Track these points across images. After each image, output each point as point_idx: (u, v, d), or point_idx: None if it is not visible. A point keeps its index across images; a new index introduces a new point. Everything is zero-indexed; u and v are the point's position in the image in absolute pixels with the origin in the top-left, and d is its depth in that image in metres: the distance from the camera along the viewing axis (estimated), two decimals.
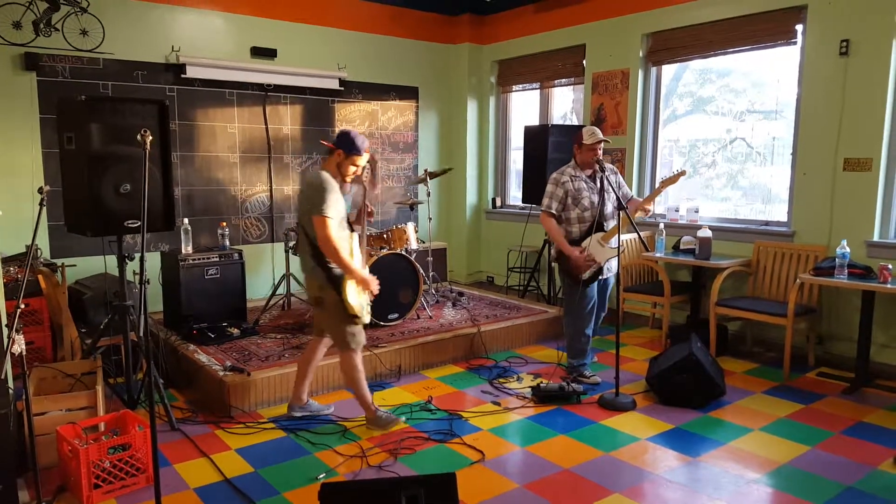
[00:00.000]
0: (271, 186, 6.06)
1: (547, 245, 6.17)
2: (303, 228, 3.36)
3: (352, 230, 3.43)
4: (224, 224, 5.03)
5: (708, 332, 4.71)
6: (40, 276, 4.01)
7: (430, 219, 5.86)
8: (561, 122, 6.82)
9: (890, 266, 3.90)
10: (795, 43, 4.75)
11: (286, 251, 5.41)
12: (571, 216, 4.13)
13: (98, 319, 4.20)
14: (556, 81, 6.68)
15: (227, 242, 4.93)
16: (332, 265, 3.29)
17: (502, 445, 3.35)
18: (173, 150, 5.16)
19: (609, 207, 4.14)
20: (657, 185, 4.19)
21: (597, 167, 4.06)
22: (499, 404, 3.89)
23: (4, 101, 4.73)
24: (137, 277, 3.07)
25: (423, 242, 5.74)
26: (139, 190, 3.22)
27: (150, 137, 2.49)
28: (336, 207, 3.23)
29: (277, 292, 5.45)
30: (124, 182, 3.31)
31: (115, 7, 5.09)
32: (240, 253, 4.86)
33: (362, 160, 3.36)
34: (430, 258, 5.70)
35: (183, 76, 5.41)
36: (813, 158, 4.64)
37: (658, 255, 5.07)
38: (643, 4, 5.60)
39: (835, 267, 4.08)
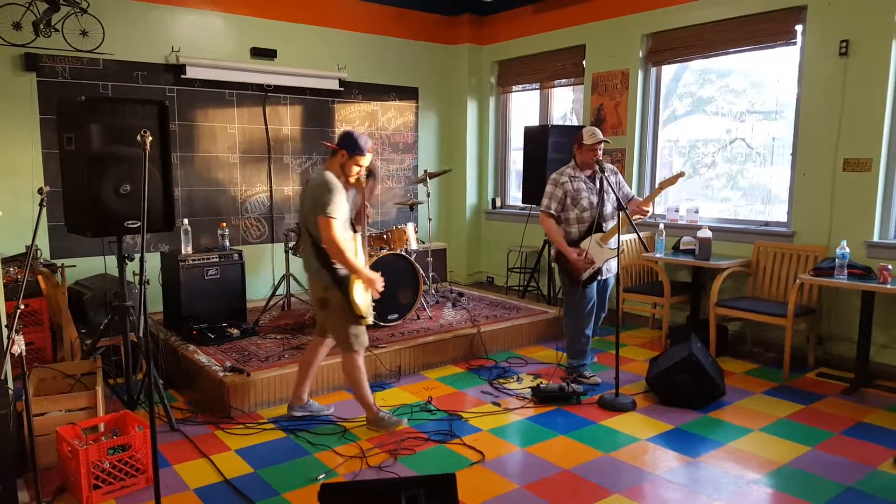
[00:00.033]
0: (271, 187, 6.06)
1: (547, 245, 6.17)
2: (307, 229, 3.35)
3: (354, 231, 3.43)
4: (224, 224, 5.03)
5: (708, 332, 4.71)
6: (40, 277, 4.01)
7: (430, 219, 5.86)
8: (561, 123, 6.82)
9: (889, 266, 3.90)
10: (795, 43, 4.75)
11: (286, 252, 5.41)
12: (570, 216, 4.13)
13: (98, 320, 4.20)
14: (555, 82, 6.68)
15: (227, 243, 4.93)
16: (337, 266, 3.30)
17: (502, 446, 3.34)
18: (173, 150, 5.16)
19: (608, 208, 4.14)
20: (656, 187, 4.19)
21: (596, 168, 4.07)
22: (499, 405, 3.89)
23: (4, 101, 4.73)
24: (137, 278, 3.07)
25: (423, 243, 5.74)
26: (139, 190, 3.21)
27: (150, 138, 2.49)
28: (341, 208, 3.23)
29: (277, 293, 5.45)
30: (124, 183, 3.32)
31: (115, 8, 5.09)
32: (240, 253, 4.86)
33: (366, 160, 3.36)
34: (429, 258, 5.70)
35: (183, 77, 5.41)
36: (813, 159, 4.64)
37: (658, 255, 5.07)
38: (643, 5, 5.61)
39: (834, 267, 4.08)
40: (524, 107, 7.29)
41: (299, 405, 3.67)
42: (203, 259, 4.67)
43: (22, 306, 2.40)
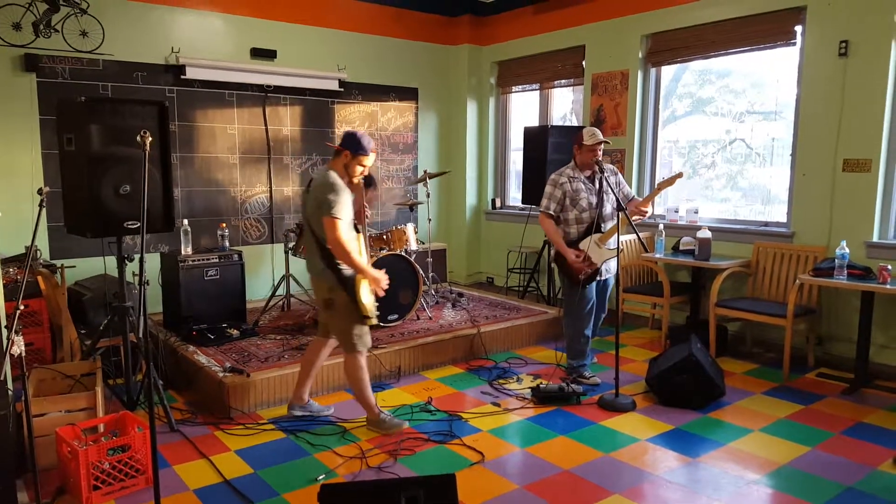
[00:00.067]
0: (271, 187, 6.06)
1: (546, 246, 6.18)
2: (310, 229, 3.35)
3: (357, 231, 3.43)
4: (224, 225, 5.03)
5: (707, 332, 4.71)
6: (40, 278, 4.01)
7: (430, 220, 5.86)
8: (560, 123, 6.82)
9: (889, 267, 3.90)
10: (795, 44, 4.75)
11: (286, 252, 5.41)
12: (569, 217, 4.13)
13: (97, 320, 4.20)
14: (555, 82, 6.68)
15: (227, 243, 4.93)
16: (342, 266, 3.30)
17: (502, 446, 3.34)
18: (173, 151, 5.16)
19: (608, 208, 4.15)
20: (654, 188, 4.19)
21: (596, 168, 4.07)
22: (498, 405, 3.89)
23: (4, 102, 4.73)
24: (137, 278, 3.07)
25: (423, 243, 5.74)
26: (139, 191, 3.21)
27: (150, 138, 2.50)
28: (346, 209, 3.23)
29: (277, 293, 5.45)
30: (124, 183, 3.32)
31: (115, 8, 5.09)
32: (239, 254, 4.86)
33: (369, 160, 3.37)
34: (429, 259, 5.70)
35: (183, 77, 5.42)
36: (812, 159, 4.64)
37: (658, 255, 5.08)
38: (642, 5, 5.61)
39: (834, 268, 4.08)
40: (524, 107, 7.29)
41: (300, 405, 3.67)
42: (203, 260, 4.67)
43: (22, 307, 2.40)
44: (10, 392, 2.68)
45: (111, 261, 3.68)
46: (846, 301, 4.49)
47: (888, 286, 3.84)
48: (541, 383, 4.11)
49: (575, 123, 6.64)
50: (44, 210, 2.59)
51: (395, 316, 4.89)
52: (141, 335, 2.98)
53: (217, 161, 5.74)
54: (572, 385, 3.98)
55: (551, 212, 4.15)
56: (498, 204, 7.39)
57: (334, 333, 3.51)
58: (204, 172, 5.68)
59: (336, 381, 4.09)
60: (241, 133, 5.85)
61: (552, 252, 4.29)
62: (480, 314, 5.34)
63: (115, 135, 3.31)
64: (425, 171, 5.73)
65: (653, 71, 5.72)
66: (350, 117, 6.50)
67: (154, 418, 2.38)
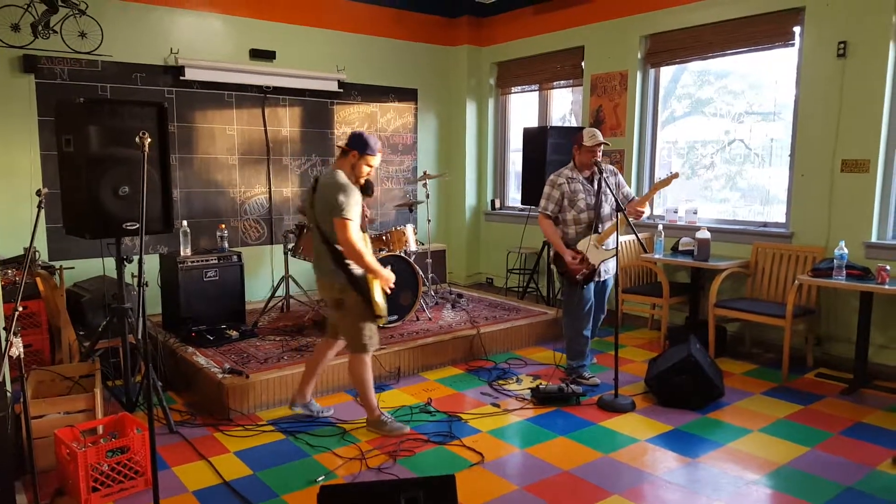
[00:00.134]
0: (270, 188, 6.06)
1: (546, 247, 6.18)
2: (318, 230, 3.34)
3: (363, 231, 3.44)
4: (223, 226, 5.03)
5: (707, 333, 4.72)
6: (38, 279, 4.00)
7: (430, 220, 5.86)
8: (560, 124, 6.83)
9: (888, 267, 3.90)
10: (793, 45, 4.76)
11: (285, 253, 5.41)
12: (568, 218, 4.14)
13: (96, 322, 4.19)
14: (554, 83, 6.69)
15: (226, 244, 4.93)
16: (353, 266, 3.30)
17: (502, 447, 3.34)
18: (172, 152, 5.14)
19: (606, 209, 4.15)
20: (650, 188, 4.20)
21: (595, 169, 4.07)
22: (498, 406, 3.89)
23: (3, 103, 4.73)
24: (136, 280, 3.07)
25: (423, 244, 5.74)
26: (138, 192, 3.22)
27: (149, 139, 2.49)
28: (356, 209, 3.24)
29: (276, 294, 5.44)
30: (123, 184, 3.31)
31: (114, 9, 5.09)
32: (239, 255, 4.86)
33: (376, 160, 3.38)
34: (429, 260, 5.70)
35: (182, 78, 5.41)
36: (811, 160, 4.64)
37: (657, 256, 5.08)
38: (641, 6, 5.61)
39: (833, 268, 4.09)
40: (523, 108, 7.30)
41: (301, 402, 3.67)
42: (202, 261, 4.67)
43: (20, 308, 2.39)
44: (8, 394, 2.67)
45: (110, 262, 3.67)
46: (845, 301, 4.50)
47: (887, 286, 3.85)
48: (540, 384, 4.11)
49: (574, 124, 6.64)
50: (42, 211, 2.59)
51: (395, 317, 4.89)
52: (140, 336, 2.98)
53: (216, 162, 5.74)
54: (572, 386, 3.98)
55: (549, 212, 4.16)
56: (497, 205, 7.39)
57: (343, 334, 3.49)
58: (203, 173, 5.68)
59: (336, 381, 4.09)
60: (241, 134, 5.85)
61: (551, 253, 4.29)
62: (480, 315, 5.34)
63: (114, 136, 3.31)
64: (425, 172, 5.73)
65: (652, 72, 5.73)
66: (349, 118, 6.50)
67: (153, 420, 2.38)
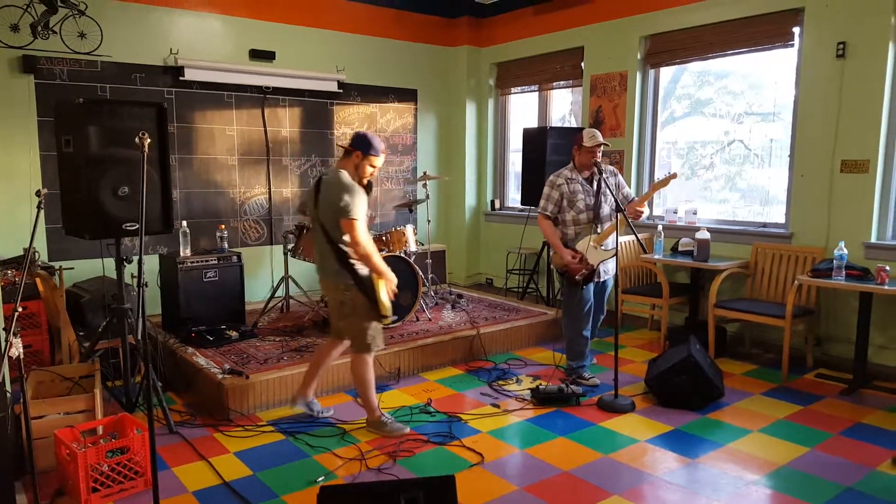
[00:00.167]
0: (270, 189, 6.06)
1: (546, 247, 6.18)
2: (323, 230, 3.33)
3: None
4: (223, 226, 5.03)
5: (706, 333, 4.72)
6: (38, 280, 4.00)
7: (429, 221, 5.86)
8: (559, 125, 6.83)
9: (887, 267, 3.91)
10: (793, 45, 4.76)
11: (285, 254, 5.41)
12: (567, 218, 4.14)
13: (96, 322, 4.19)
14: (554, 84, 6.69)
15: (226, 245, 4.93)
16: (358, 266, 3.30)
17: (501, 448, 3.34)
18: (172, 152, 5.16)
19: (606, 210, 4.15)
20: (649, 188, 4.20)
21: (595, 169, 4.07)
22: (498, 406, 3.89)
23: (2, 103, 4.73)
24: (136, 280, 3.07)
25: (422, 245, 5.74)
26: (137, 192, 3.22)
27: (149, 140, 2.49)
28: (362, 209, 3.24)
29: (276, 295, 5.44)
30: (122, 185, 3.31)
31: (113, 10, 5.09)
32: (238, 255, 4.86)
33: (379, 161, 3.38)
34: (429, 260, 5.70)
35: (181, 79, 5.41)
36: (810, 160, 4.65)
37: (656, 256, 5.08)
38: (641, 7, 5.62)
39: (832, 268, 4.09)
40: (523, 108, 7.30)
41: (303, 399, 3.67)
42: (202, 261, 4.66)
43: (20, 309, 2.39)
44: (8, 394, 2.67)
45: (110, 262, 3.67)
46: (845, 302, 4.50)
47: (886, 287, 3.85)
48: (540, 384, 4.11)
49: (574, 125, 6.65)
50: (42, 212, 2.59)
51: (395, 317, 4.88)
52: (140, 337, 2.98)
53: (216, 162, 5.74)
54: (571, 386, 3.98)
55: (548, 213, 4.17)
56: (497, 205, 7.39)
57: (348, 334, 3.47)
58: (203, 174, 5.67)
59: (336, 382, 4.09)
60: (240, 134, 5.85)
61: (551, 253, 4.29)
62: (480, 315, 5.34)
63: (114, 136, 3.31)
64: (425, 173, 5.73)
65: (651, 72, 5.73)
66: (349, 119, 6.51)
67: (153, 420, 2.38)
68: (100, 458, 2.77)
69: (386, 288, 3.35)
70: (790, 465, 3.14)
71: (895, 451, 3.22)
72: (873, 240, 4.40)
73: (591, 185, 4.15)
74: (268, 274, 6.09)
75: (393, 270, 3.40)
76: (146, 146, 2.48)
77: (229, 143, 5.79)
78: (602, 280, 4.26)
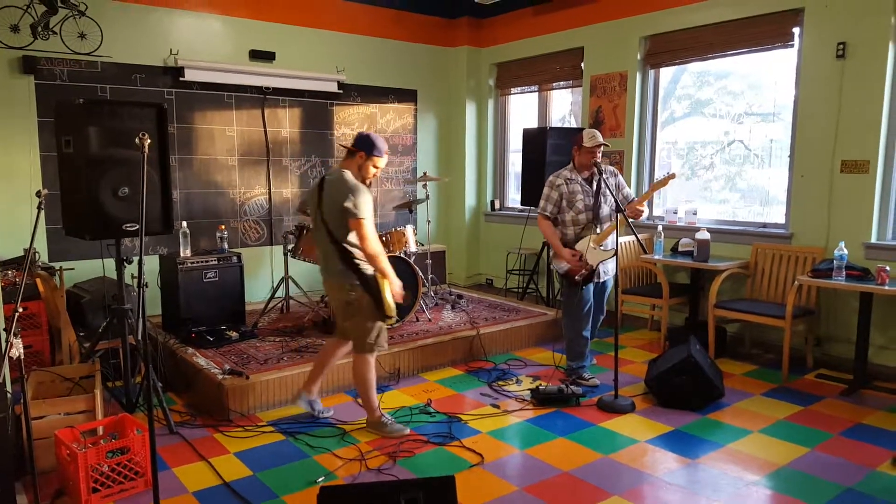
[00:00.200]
0: (270, 189, 6.06)
1: (545, 247, 6.18)
2: (326, 230, 3.32)
3: None
4: (223, 227, 5.03)
5: (706, 333, 4.72)
6: (38, 280, 4.01)
7: (429, 221, 5.86)
8: (559, 125, 6.83)
9: (888, 268, 3.91)
10: (792, 45, 4.76)
11: (285, 254, 5.41)
12: (566, 218, 4.15)
13: (96, 323, 4.19)
14: (554, 84, 6.69)
15: (226, 245, 4.93)
16: (363, 265, 3.30)
17: (501, 448, 3.34)
18: (172, 153, 5.16)
19: (605, 210, 4.15)
20: (647, 189, 4.20)
21: (594, 170, 4.07)
22: (498, 407, 3.89)
23: (2, 104, 4.73)
24: (136, 281, 3.07)
25: (422, 245, 5.74)
26: (137, 193, 3.22)
27: (149, 141, 2.49)
28: (369, 208, 3.25)
29: (276, 295, 5.45)
30: (122, 185, 3.32)
31: (113, 10, 5.09)
32: (238, 256, 4.86)
33: (382, 162, 3.38)
34: (429, 261, 5.70)
35: (181, 79, 5.42)
36: (810, 160, 4.65)
37: (656, 257, 5.08)
38: (641, 7, 5.62)
39: (833, 269, 4.09)
40: (523, 109, 7.30)
41: (306, 396, 3.68)
42: (202, 262, 4.67)
43: (20, 309, 2.39)
44: (9, 395, 2.67)
45: (110, 263, 3.67)
46: (845, 302, 4.50)
47: (886, 287, 3.85)
48: (540, 385, 4.11)
49: (574, 125, 6.65)
50: (42, 212, 2.59)
51: (395, 317, 4.88)
52: (140, 337, 2.98)
53: (216, 163, 5.74)
54: (571, 387, 3.98)
55: (547, 213, 4.17)
56: (497, 205, 7.39)
57: (352, 334, 3.46)
58: (203, 174, 5.68)
59: (337, 382, 4.09)
60: (240, 135, 5.85)
61: (551, 253, 4.30)
62: (480, 316, 5.34)
63: (114, 137, 3.31)
64: (425, 173, 5.74)
65: (651, 72, 5.73)
66: (349, 119, 6.51)
67: (153, 420, 2.38)
68: (100, 458, 2.78)
69: (391, 289, 3.35)
70: (790, 465, 3.14)
71: (895, 452, 3.22)
72: (873, 240, 4.40)
73: (591, 186, 4.15)
74: (268, 274, 6.09)
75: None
76: (146, 147, 2.48)
77: (229, 144, 5.79)
78: (602, 280, 4.26)
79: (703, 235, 4.83)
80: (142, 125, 3.34)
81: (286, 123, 6.09)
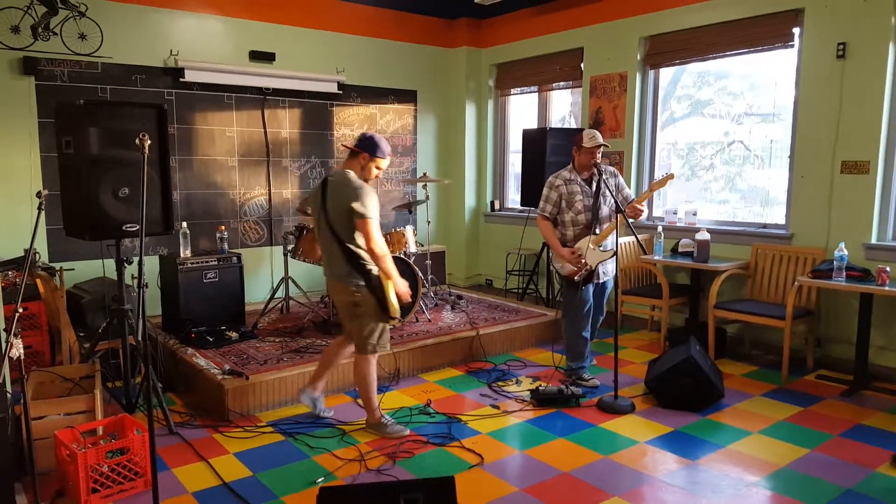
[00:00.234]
0: (270, 190, 6.06)
1: (545, 248, 6.18)
2: (331, 231, 3.31)
3: None
4: (223, 228, 5.03)
5: (706, 334, 4.72)
6: (38, 280, 4.01)
7: (429, 222, 5.86)
8: (559, 126, 6.83)
9: (888, 268, 3.91)
10: (793, 46, 4.76)
11: (285, 255, 5.41)
12: (566, 219, 4.15)
13: (96, 323, 4.19)
14: (554, 85, 6.69)
15: (226, 246, 4.93)
16: (370, 267, 3.30)
17: (501, 449, 3.34)
18: (172, 153, 5.16)
19: (605, 211, 4.15)
20: (645, 189, 4.20)
21: (594, 170, 4.07)
22: (498, 407, 3.89)
23: (3, 105, 4.74)
24: (136, 281, 3.07)
25: (422, 245, 5.74)
26: (138, 194, 3.22)
27: (149, 141, 2.50)
28: (376, 208, 3.24)
29: (276, 296, 5.45)
30: (123, 186, 3.32)
31: (114, 11, 5.09)
32: (238, 256, 4.86)
33: (385, 163, 3.39)
34: (428, 261, 5.70)
35: (181, 80, 5.42)
36: (810, 161, 4.65)
37: (656, 257, 5.08)
38: (641, 8, 5.62)
39: (833, 269, 4.09)
40: (522, 109, 7.30)
41: (310, 392, 3.68)
42: (202, 262, 4.67)
43: (20, 310, 2.39)
44: (8, 395, 2.67)
45: (110, 263, 3.67)
46: (845, 303, 4.50)
47: (887, 288, 3.85)
48: (540, 385, 4.11)
49: (573, 126, 6.65)
50: (42, 213, 2.59)
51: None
52: (140, 338, 2.98)
53: (216, 164, 5.74)
54: (571, 387, 3.98)
55: (547, 214, 4.17)
56: (497, 206, 7.39)
57: (355, 335, 3.44)
58: (203, 175, 5.68)
59: (337, 382, 4.09)
60: (240, 135, 5.85)
61: (551, 254, 4.30)
62: (479, 316, 5.34)
63: (114, 138, 3.31)
64: (425, 174, 5.74)
65: (651, 73, 5.73)
66: (349, 120, 6.51)
67: (153, 421, 2.38)
68: (100, 458, 2.78)
69: (395, 290, 3.35)
70: (790, 466, 3.14)
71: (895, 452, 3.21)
72: (873, 241, 4.40)
73: (591, 187, 4.15)
74: (268, 275, 6.09)
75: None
76: (146, 147, 2.48)
77: (229, 145, 5.80)
78: (602, 281, 4.26)
79: (703, 236, 4.83)
80: (142, 126, 3.34)
81: (286, 124, 6.10)
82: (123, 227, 3.35)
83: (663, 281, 5.02)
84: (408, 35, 6.84)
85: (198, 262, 4.65)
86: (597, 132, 4.07)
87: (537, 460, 3.21)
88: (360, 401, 3.76)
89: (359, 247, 3.29)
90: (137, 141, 2.48)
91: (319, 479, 2.97)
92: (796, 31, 4.71)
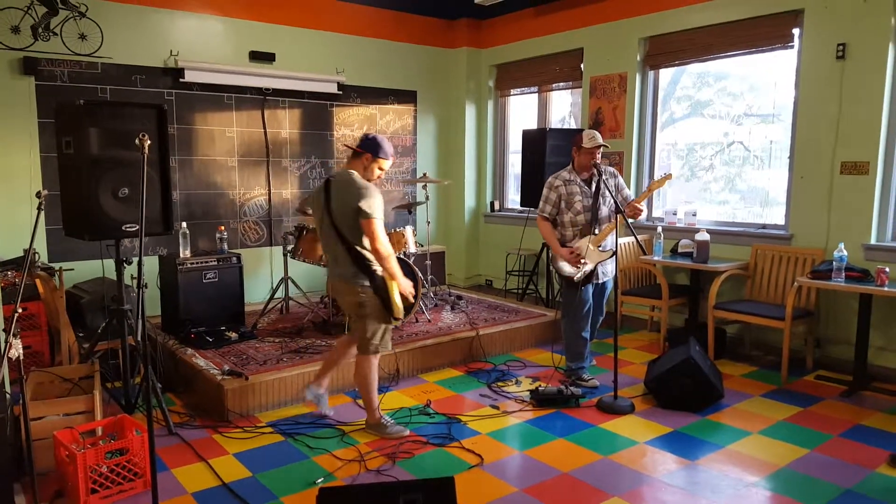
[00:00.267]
0: (270, 190, 6.06)
1: (545, 248, 6.18)
2: (336, 232, 3.30)
3: None
4: (222, 228, 5.03)
5: (706, 335, 4.72)
6: (38, 281, 4.01)
7: (429, 222, 5.86)
8: (559, 126, 6.83)
9: (887, 269, 3.91)
10: (792, 46, 4.76)
11: (284, 255, 5.41)
12: (565, 219, 4.15)
13: (96, 323, 4.19)
14: (554, 85, 6.70)
15: (226, 246, 4.93)
16: (376, 267, 3.30)
17: (501, 449, 3.34)
18: (172, 154, 5.16)
19: (604, 211, 4.15)
20: (644, 189, 4.20)
21: (594, 171, 4.08)
22: (497, 408, 3.89)
23: (3, 105, 4.74)
24: (135, 281, 3.07)
25: (422, 246, 5.74)
26: (137, 194, 3.22)
27: (149, 141, 2.50)
28: (381, 208, 3.24)
29: (276, 296, 5.44)
30: (122, 186, 3.32)
31: (114, 11, 5.09)
32: (238, 257, 4.86)
33: (388, 164, 3.39)
34: (428, 261, 5.70)
35: (181, 80, 5.42)
36: (810, 162, 4.65)
37: (656, 258, 5.08)
38: (641, 8, 5.62)
39: (832, 270, 4.09)
40: (522, 110, 7.31)
41: (315, 388, 3.68)
42: (201, 262, 4.67)
43: (20, 310, 2.39)
44: (8, 395, 2.67)
45: (109, 264, 3.67)
46: (844, 303, 4.50)
47: (886, 288, 3.85)
48: (539, 386, 4.11)
49: (573, 126, 6.65)
50: (42, 213, 2.59)
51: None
52: (139, 338, 2.98)
53: (215, 164, 5.74)
54: (571, 388, 3.98)
55: (546, 214, 4.17)
56: (496, 206, 7.40)
57: (359, 335, 3.44)
58: (202, 175, 5.68)
59: (336, 383, 4.08)
60: (240, 136, 5.86)
61: (551, 254, 4.30)
62: (479, 317, 5.34)
63: (114, 138, 3.31)
64: (425, 174, 5.74)
65: (651, 74, 5.74)
66: (349, 120, 6.51)
67: (152, 421, 2.38)
68: (99, 459, 2.77)
69: (399, 290, 3.36)
70: (790, 466, 3.14)
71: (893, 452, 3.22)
72: (873, 241, 4.40)
73: (590, 187, 4.15)
74: (267, 275, 6.09)
75: None
76: (146, 148, 2.48)
77: (229, 145, 5.80)
78: (601, 281, 4.26)
79: (703, 236, 4.83)
80: (142, 126, 3.35)
81: (286, 124, 6.10)
82: (123, 228, 3.35)
83: (663, 281, 5.02)
84: (408, 35, 6.84)
85: (197, 263, 4.64)
86: (596, 133, 4.07)
87: (537, 461, 3.21)
88: (359, 401, 3.76)
89: (364, 247, 3.30)
90: (137, 141, 2.48)
91: (319, 480, 2.97)
92: (796, 31, 4.71)
